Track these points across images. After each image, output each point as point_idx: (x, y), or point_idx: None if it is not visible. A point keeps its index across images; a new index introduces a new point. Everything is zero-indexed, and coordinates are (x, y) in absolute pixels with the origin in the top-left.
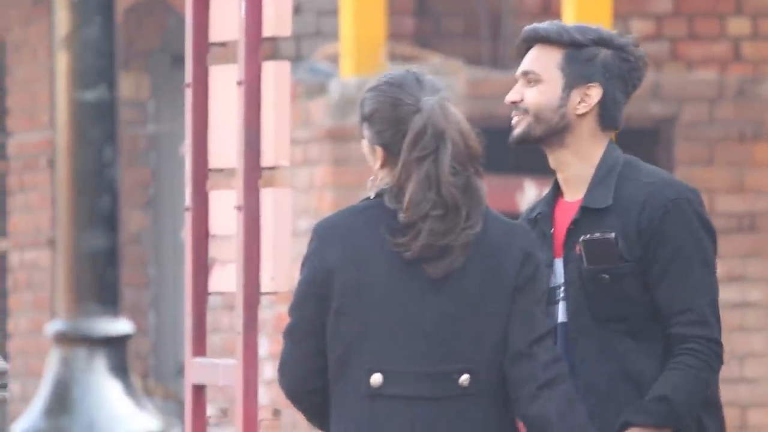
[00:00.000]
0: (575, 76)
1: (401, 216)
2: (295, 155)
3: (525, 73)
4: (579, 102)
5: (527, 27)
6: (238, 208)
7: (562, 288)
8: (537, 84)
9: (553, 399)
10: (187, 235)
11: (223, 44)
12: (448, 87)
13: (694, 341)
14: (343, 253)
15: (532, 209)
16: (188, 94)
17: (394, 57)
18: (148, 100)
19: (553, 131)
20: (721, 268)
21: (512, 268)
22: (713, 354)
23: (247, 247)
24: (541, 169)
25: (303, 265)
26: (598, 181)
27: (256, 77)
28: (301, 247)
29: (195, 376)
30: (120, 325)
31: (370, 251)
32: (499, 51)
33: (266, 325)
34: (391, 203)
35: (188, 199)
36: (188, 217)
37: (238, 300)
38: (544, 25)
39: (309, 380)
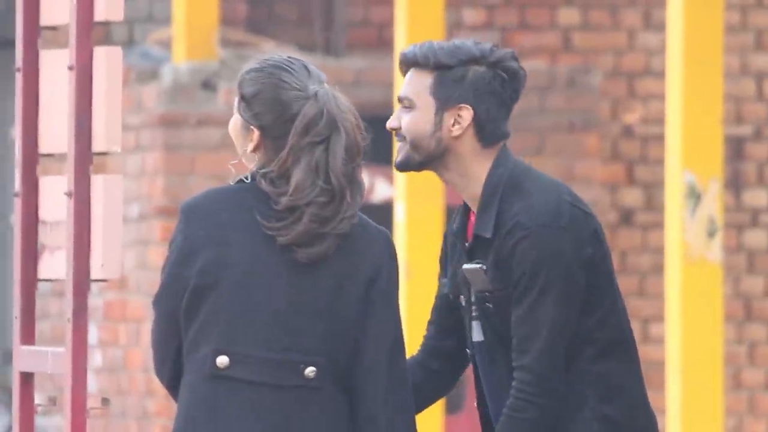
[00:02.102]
0: (445, 99)
1: (284, 200)
2: (126, 141)
3: (400, 99)
4: (453, 124)
5: (402, 50)
6: (69, 194)
7: (475, 307)
8: (411, 110)
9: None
10: (16, 220)
11: (54, 28)
12: None
13: (515, 374)
14: (206, 231)
15: (453, 220)
16: (18, 78)
17: (226, 43)
18: None
19: (432, 157)
20: None
21: (370, 271)
22: (532, 388)
23: (78, 233)
24: (373, 157)
25: (170, 244)
26: (483, 206)
27: (87, 62)
28: (132, 233)
29: (23, 363)
30: None
31: (236, 232)
32: (331, 38)
33: (96, 312)
34: (269, 187)
35: (18, 185)
36: (18, 203)
37: (67, 287)
38: (414, 49)
39: (171, 355)
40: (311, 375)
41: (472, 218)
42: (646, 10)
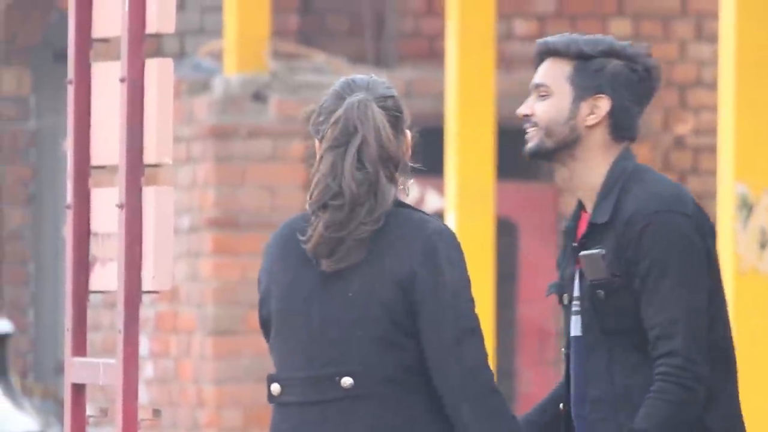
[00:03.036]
0: (584, 88)
1: (307, 206)
2: (177, 153)
3: (536, 86)
4: (588, 114)
5: (539, 40)
6: (120, 205)
7: (577, 302)
8: (547, 97)
9: (477, 414)
10: (68, 232)
11: (105, 40)
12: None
13: (662, 361)
14: (264, 265)
15: (566, 221)
16: (70, 90)
17: (277, 54)
18: (29, 96)
19: (564, 144)
20: None
21: (405, 264)
22: (683, 372)
23: (129, 245)
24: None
25: None
26: (603, 195)
27: (139, 74)
28: (183, 245)
29: (75, 375)
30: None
31: (280, 259)
32: (382, 50)
33: (147, 324)
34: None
35: (69, 197)
36: (69, 215)
37: (119, 298)
38: (554, 38)
39: None
40: (348, 385)
41: (584, 216)
42: (698, 21)
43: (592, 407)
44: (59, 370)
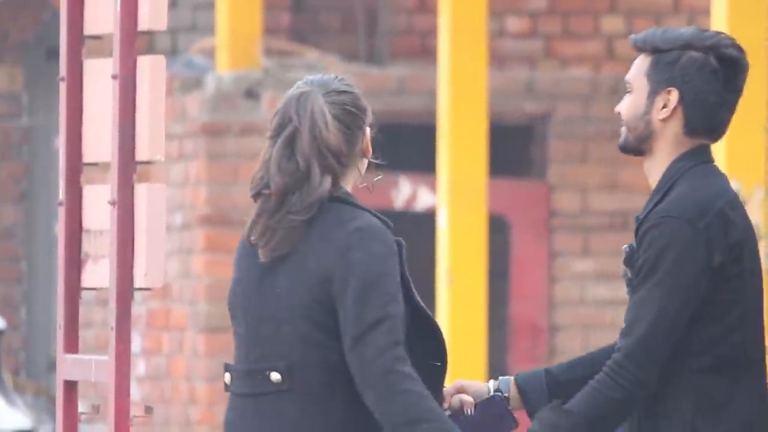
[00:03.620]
0: (657, 82)
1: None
2: (170, 150)
3: (625, 83)
4: (662, 107)
5: (632, 35)
6: (112, 202)
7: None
8: (630, 93)
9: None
10: (60, 229)
11: (98, 37)
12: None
13: (614, 356)
14: (235, 262)
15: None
16: (62, 87)
17: (269, 52)
18: (21, 93)
19: (641, 139)
20: (594, 266)
21: (323, 263)
22: (621, 370)
23: (121, 242)
24: (416, 165)
25: None
26: (654, 192)
27: (131, 71)
28: (175, 242)
29: (67, 372)
30: None
31: (241, 257)
32: (375, 47)
33: (139, 321)
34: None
35: (62, 194)
36: (62, 212)
37: (111, 295)
38: (639, 34)
39: None
40: (277, 380)
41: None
42: (690, 17)
43: None
44: (51, 367)
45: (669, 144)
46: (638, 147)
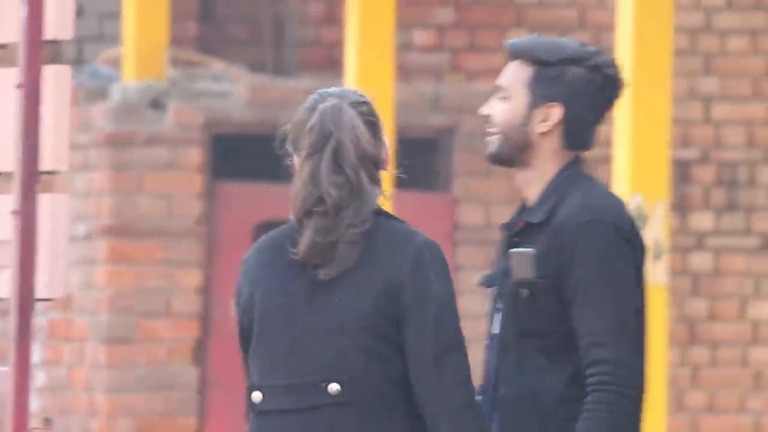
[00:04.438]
0: (540, 95)
1: (291, 215)
2: (74, 160)
3: (498, 88)
4: (541, 121)
5: (508, 40)
6: (15, 212)
7: (500, 300)
8: (506, 100)
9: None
10: None
11: (3, 46)
12: (228, 94)
13: (595, 369)
14: (245, 273)
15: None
16: None
17: (176, 62)
18: None
19: (518, 148)
20: None
21: (393, 274)
22: (615, 379)
23: (23, 252)
24: None
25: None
26: (542, 198)
27: (36, 81)
28: (78, 253)
29: None
30: None
31: (265, 268)
32: (282, 58)
33: (40, 331)
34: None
35: None
36: None
37: (12, 306)
38: (519, 40)
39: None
40: (335, 392)
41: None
42: (596, 33)
43: (499, 406)
44: None
45: (548, 157)
46: (513, 157)
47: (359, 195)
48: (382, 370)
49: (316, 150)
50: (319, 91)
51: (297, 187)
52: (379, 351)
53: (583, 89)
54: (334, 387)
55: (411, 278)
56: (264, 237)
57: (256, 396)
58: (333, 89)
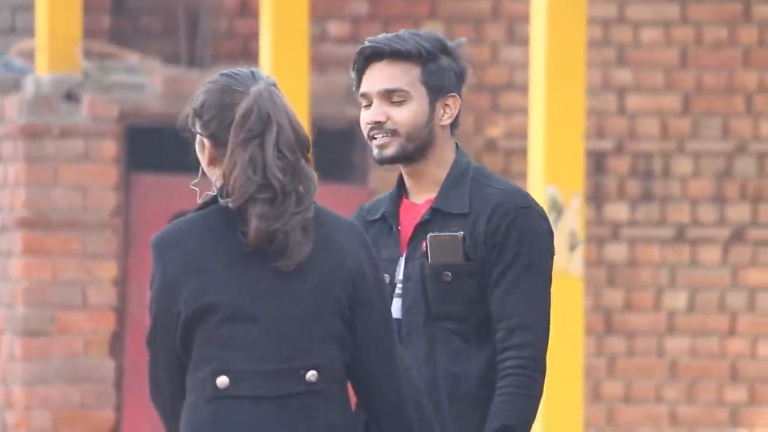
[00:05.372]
0: (436, 89)
1: (230, 203)
2: None
3: (389, 92)
4: (442, 114)
5: (372, 41)
6: None
7: (400, 285)
8: (405, 102)
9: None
10: None
11: None
12: (143, 86)
13: (516, 353)
14: (182, 262)
15: (373, 209)
16: None
17: (90, 54)
18: None
19: (422, 146)
20: None
21: (352, 260)
22: (535, 364)
23: None
24: None
25: (150, 281)
26: (450, 185)
27: None
28: None
29: None
30: None
31: (211, 254)
32: (196, 50)
33: None
34: (224, 198)
35: None
36: None
37: None
38: (389, 40)
39: (175, 392)
40: (313, 379)
41: (406, 203)
42: (510, 24)
43: None
44: None
45: (445, 144)
46: (414, 154)
47: (303, 179)
48: (344, 356)
49: (254, 134)
50: (225, 73)
51: (234, 174)
52: (344, 337)
53: (461, 75)
54: (311, 374)
55: (367, 263)
56: (180, 224)
57: (222, 381)
58: (242, 70)
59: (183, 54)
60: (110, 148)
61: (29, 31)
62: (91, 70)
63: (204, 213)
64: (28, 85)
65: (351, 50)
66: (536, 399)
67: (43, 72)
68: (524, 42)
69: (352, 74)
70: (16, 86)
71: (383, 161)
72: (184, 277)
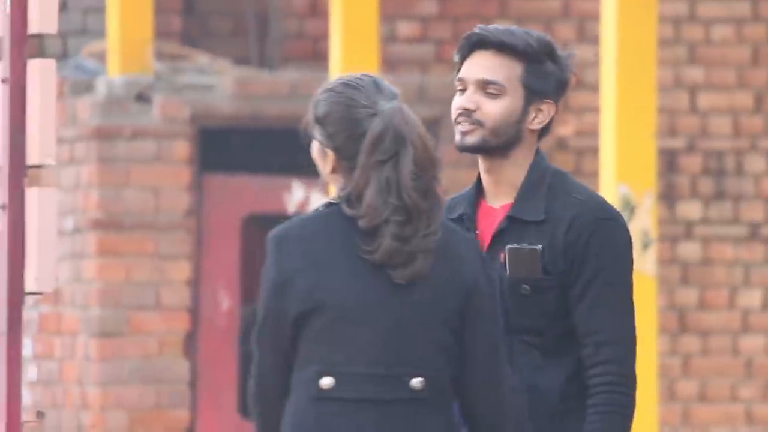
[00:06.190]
0: (535, 92)
1: (361, 222)
2: (61, 154)
3: (486, 82)
4: (534, 118)
5: (483, 29)
6: (3, 207)
7: None
8: (499, 96)
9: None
10: None
11: None
12: (213, 87)
13: (605, 369)
14: (300, 258)
15: (451, 208)
16: None
17: (161, 56)
18: None
19: (508, 144)
20: None
21: (468, 272)
22: (627, 380)
23: (12, 246)
24: (308, 169)
25: (263, 276)
26: (527, 191)
27: (21, 75)
28: (66, 246)
29: None
30: None
31: (330, 255)
32: (266, 51)
33: (30, 325)
34: (350, 210)
35: None
36: None
37: (1, 300)
38: (504, 33)
39: (281, 392)
40: (418, 386)
41: (483, 205)
42: (580, 23)
43: None
44: None
45: (528, 148)
46: (495, 150)
47: (433, 200)
48: (450, 369)
49: (389, 156)
50: (351, 83)
51: (365, 194)
52: (452, 350)
53: (563, 84)
54: (417, 381)
55: (481, 276)
56: (301, 221)
57: (327, 381)
58: (363, 80)
59: (253, 55)
60: (182, 149)
61: (101, 33)
62: (163, 71)
63: (326, 213)
64: (100, 87)
65: (420, 50)
66: (630, 417)
67: (114, 74)
68: (595, 41)
69: (456, 57)
70: (87, 88)
71: (464, 148)
72: (300, 273)
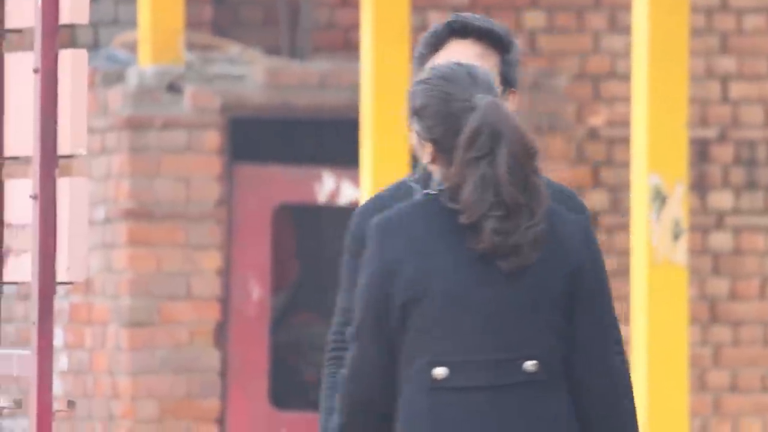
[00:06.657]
0: (508, 82)
1: (461, 217)
2: (92, 144)
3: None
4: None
5: (460, 17)
6: (34, 196)
7: None
8: None
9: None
10: None
11: (19, 31)
12: (244, 77)
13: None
14: (404, 245)
15: (400, 198)
16: None
17: (192, 45)
18: None
19: None
20: None
21: (573, 264)
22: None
23: (43, 236)
24: (339, 159)
25: (364, 265)
26: None
27: (53, 65)
28: (98, 236)
29: None
30: None
31: (434, 241)
32: (297, 41)
33: (62, 315)
34: (450, 203)
35: None
36: None
37: (33, 290)
38: (485, 21)
39: (381, 386)
40: (532, 369)
41: None
42: (612, 13)
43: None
44: None
45: None
46: None
47: (534, 193)
48: (562, 349)
49: (485, 153)
50: (445, 75)
51: (463, 190)
52: (564, 330)
53: (518, 75)
54: (530, 364)
55: (590, 261)
56: (403, 209)
57: (440, 372)
58: (458, 70)
59: (284, 45)
60: (213, 139)
61: (132, 23)
62: (194, 61)
63: (428, 200)
64: (131, 77)
65: None
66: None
67: (145, 64)
68: (626, 30)
69: (424, 47)
70: (119, 78)
71: None
72: (405, 261)
